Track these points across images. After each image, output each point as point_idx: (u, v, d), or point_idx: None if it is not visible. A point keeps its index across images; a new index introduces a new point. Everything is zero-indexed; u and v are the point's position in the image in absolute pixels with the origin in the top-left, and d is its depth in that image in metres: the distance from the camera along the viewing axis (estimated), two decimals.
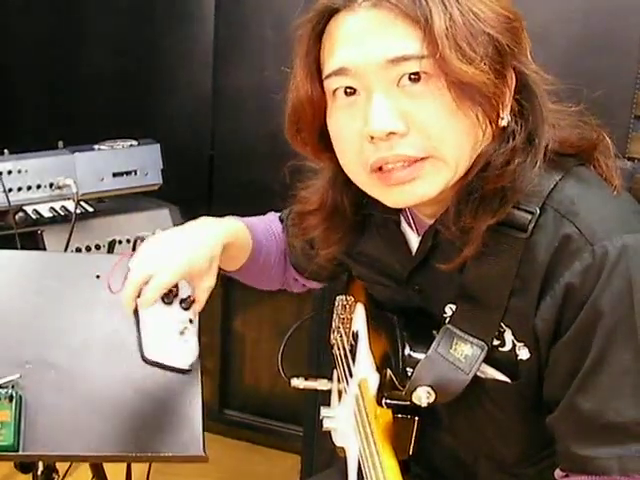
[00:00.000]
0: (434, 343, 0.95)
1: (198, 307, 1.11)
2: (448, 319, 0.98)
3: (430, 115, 0.87)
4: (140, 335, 1.04)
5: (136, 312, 1.06)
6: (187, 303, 1.07)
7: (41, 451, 1.04)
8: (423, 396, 0.94)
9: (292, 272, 1.34)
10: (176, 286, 1.08)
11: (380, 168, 0.91)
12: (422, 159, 0.89)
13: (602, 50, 1.64)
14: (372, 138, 0.88)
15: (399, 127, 0.87)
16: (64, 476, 1.30)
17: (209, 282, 1.10)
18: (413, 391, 0.94)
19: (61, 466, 1.28)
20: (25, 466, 1.26)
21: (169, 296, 1.06)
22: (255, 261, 1.26)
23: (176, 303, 1.07)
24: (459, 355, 0.94)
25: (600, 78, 1.63)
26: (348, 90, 0.91)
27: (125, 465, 1.42)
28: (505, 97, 0.90)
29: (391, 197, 0.94)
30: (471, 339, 0.94)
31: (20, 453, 1.02)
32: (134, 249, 1.39)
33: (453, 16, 0.84)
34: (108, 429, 1.07)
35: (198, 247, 1.08)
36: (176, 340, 1.05)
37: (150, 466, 1.39)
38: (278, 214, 1.36)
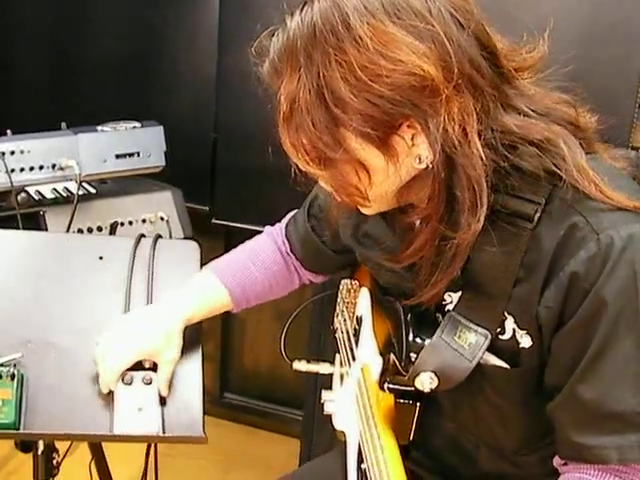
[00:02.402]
0: (438, 330, 0.96)
1: (162, 379, 1.12)
2: (452, 306, 0.98)
3: None
4: (112, 413, 1.07)
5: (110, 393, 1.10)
6: (146, 379, 1.11)
7: (42, 430, 1.04)
8: (426, 381, 0.94)
9: (307, 275, 1.35)
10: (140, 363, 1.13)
11: None
12: None
13: (607, 39, 1.63)
14: None
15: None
16: (64, 456, 1.30)
17: (167, 356, 1.13)
18: (416, 376, 0.94)
19: (61, 446, 1.28)
20: (25, 445, 1.26)
21: (124, 379, 1.11)
22: (242, 301, 1.28)
23: (138, 380, 1.11)
24: (463, 342, 0.94)
25: (605, 67, 1.62)
26: None
27: (124, 447, 1.42)
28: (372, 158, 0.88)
29: None
30: (475, 327, 0.94)
31: (21, 431, 1.03)
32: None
33: (300, 93, 0.88)
34: (108, 410, 1.07)
35: (140, 343, 1.12)
36: (138, 412, 1.08)
37: (156, 448, 1.40)
38: (271, 228, 1.36)
